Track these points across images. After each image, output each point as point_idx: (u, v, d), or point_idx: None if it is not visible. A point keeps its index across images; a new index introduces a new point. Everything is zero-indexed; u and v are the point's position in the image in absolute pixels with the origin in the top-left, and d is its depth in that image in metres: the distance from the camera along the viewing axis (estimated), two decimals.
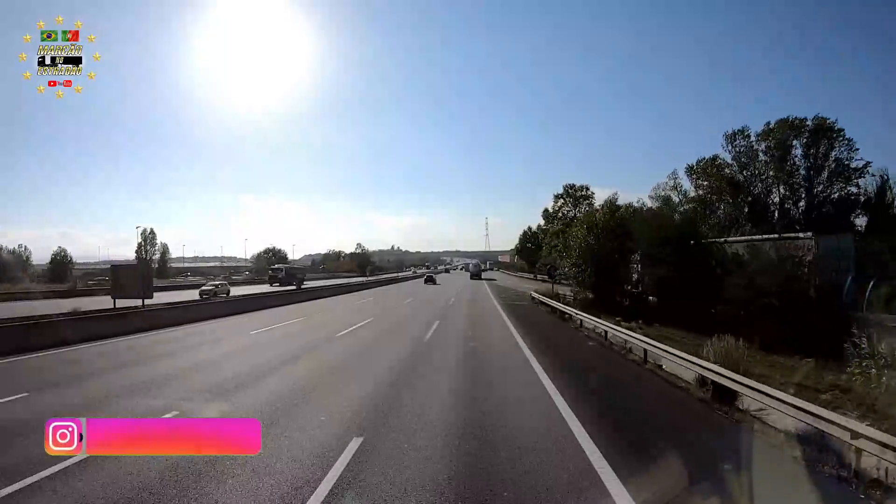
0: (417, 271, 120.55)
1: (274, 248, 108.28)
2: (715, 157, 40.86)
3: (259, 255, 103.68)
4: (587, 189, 61.33)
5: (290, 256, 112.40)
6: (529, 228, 77.78)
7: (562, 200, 62.63)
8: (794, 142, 38.29)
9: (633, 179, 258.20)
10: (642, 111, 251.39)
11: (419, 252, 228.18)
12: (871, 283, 14.79)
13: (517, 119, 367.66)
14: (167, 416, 5.89)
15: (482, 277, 70.72)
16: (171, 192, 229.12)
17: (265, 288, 44.19)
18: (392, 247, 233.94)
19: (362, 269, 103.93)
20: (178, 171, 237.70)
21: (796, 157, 38.36)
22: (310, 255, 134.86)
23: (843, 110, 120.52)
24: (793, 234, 20.46)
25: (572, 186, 61.92)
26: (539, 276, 60.49)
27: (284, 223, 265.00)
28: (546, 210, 65.54)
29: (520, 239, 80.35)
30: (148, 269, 29.86)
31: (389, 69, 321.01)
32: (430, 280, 62.53)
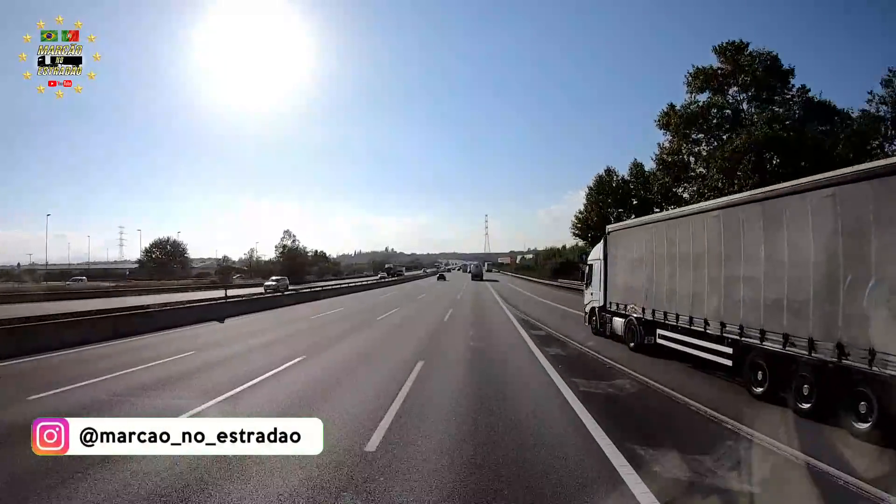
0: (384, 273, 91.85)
1: (168, 239, 77.47)
2: None
3: (148, 249, 76.91)
4: (770, 53, 26.15)
5: (192, 254, 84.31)
6: (610, 173, 37.59)
7: (712, 86, 27.22)
8: None
9: None
10: (642, 112, 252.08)
11: (414, 254, 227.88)
12: None
13: (517, 122, 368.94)
14: None
15: (484, 278, 70.07)
16: (168, 193, 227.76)
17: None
18: (386, 248, 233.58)
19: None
20: (176, 171, 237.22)
21: None
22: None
23: None
24: None
25: (736, 46, 26.66)
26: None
27: (282, 225, 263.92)
28: (670, 111, 28.28)
29: (589, 194, 38.44)
30: None
31: (387, 70, 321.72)
32: (441, 277, 74.17)
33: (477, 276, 69.29)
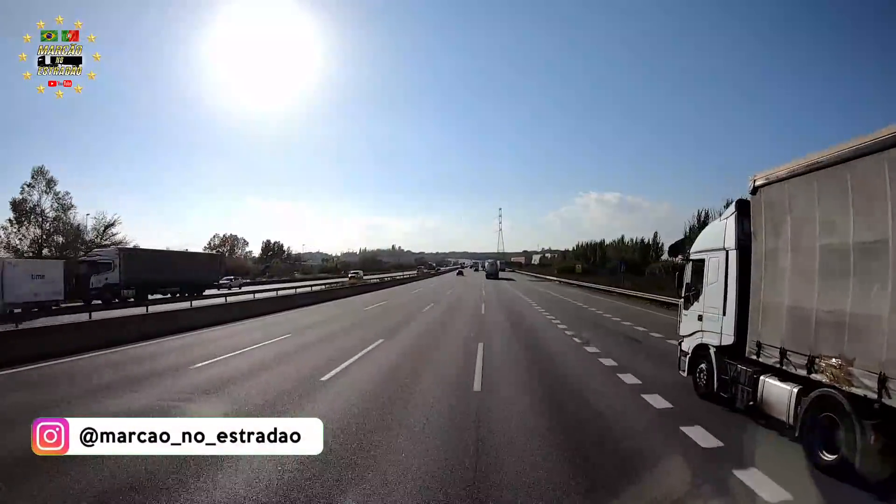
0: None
1: None
2: None
3: None
4: None
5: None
6: None
7: None
8: None
9: (636, 182, 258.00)
10: (649, 114, 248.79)
11: (422, 252, 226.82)
12: None
13: (528, 124, 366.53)
14: None
15: (499, 277, 71.09)
16: (171, 195, 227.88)
17: None
18: (393, 246, 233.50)
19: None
20: (177, 172, 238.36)
21: None
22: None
23: None
24: None
25: None
26: None
27: (287, 225, 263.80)
28: None
29: None
30: None
31: (391, 71, 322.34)
32: (459, 273, 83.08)
33: (492, 275, 71.06)
